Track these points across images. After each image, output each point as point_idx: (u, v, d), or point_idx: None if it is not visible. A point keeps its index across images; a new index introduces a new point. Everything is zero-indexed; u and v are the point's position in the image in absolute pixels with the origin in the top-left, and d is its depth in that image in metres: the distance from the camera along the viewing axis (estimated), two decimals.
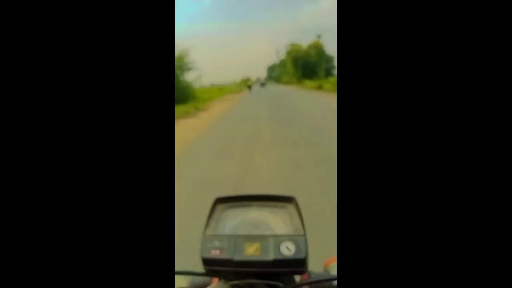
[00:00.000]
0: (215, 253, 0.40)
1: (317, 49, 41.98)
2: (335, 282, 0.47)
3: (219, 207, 0.47)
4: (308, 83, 28.25)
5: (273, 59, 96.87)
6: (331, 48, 43.99)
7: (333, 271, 0.54)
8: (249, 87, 28.21)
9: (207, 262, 0.40)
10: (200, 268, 0.42)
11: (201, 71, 20.75)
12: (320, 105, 9.67)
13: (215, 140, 5.34)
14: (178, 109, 9.48)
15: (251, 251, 0.39)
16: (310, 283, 0.44)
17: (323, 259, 0.57)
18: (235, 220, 0.45)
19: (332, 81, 20.50)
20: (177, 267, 0.38)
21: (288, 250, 0.39)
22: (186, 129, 6.70)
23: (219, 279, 0.43)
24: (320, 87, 20.24)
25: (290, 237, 0.40)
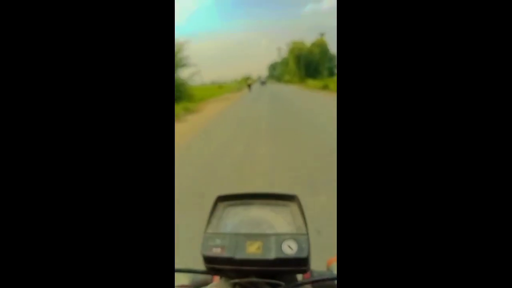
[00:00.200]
0: (216, 251, 0.39)
1: (321, 47, 40.50)
2: (336, 281, 0.46)
3: (221, 205, 0.47)
4: (311, 82, 26.74)
5: (275, 57, 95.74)
6: (334, 47, 42.44)
7: (336, 270, 0.53)
8: (249, 86, 26.61)
9: (208, 260, 0.40)
10: (201, 265, 0.41)
11: (197, 67, 19.25)
12: (330, 109, 8.13)
13: (194, 165, 3.88)
14: None
15: (253, 250, 0.39)
16: (312, 282, 0.44)
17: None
18: (237, 218, 0.45)
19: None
20: (177, 265, 0.38)
21: (290, 249, 0.39)
22: None
23: (220, 277, 0.43)
24: (325, 87, 18.74)
25: (292, 236, 0.40)
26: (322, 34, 42.61)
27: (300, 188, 2.59)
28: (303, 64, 39.76)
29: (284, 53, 53.77)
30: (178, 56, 14.06)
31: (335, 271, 0.53)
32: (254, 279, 0.39)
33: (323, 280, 0.45)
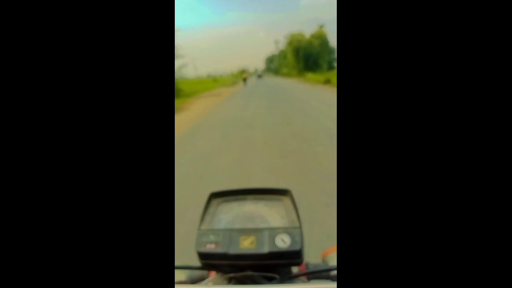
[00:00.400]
0: (210, 247, 0.40)
1: (321, 38, 38.50)
2: (332, 273, 0.47)
3: (214, 202, 0.47)
4: (311, 76, 24.87)
5: (272, 50, 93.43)
6: (333, 39, 40.63)
7: (331, 262, 0.56)
8: (244, 79, 24.70)
9: (202, 256, 0.40)
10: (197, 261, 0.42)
11: (184, 59, 17.36)
12: None
13: None
14: None
15: (246, 244, 0.40)
16: (306, 274, 0.45)
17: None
18: (230, 214, 0.45)
19: None
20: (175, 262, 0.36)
21: (283, 242, 0.39)
22: None
23: (217, 273, 0.44)
24: (328, 81, 16.92)
25: (285, 230, 0.41)
26: (321, 26, 40.64)
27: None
28: (302, 57, 37.79)
29: (282, 45, 51.86)
30: None
31: (330, 263, 0.55)
32: (249, 273, 0.40)
33: (318, 271, 0.45)
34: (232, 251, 0.39)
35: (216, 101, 11.53)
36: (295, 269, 0.47)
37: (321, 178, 2.57)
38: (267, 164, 3.15)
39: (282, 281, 0.41)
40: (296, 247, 0.39)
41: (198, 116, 7.39)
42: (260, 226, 0.42)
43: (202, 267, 0.42)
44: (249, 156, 3.49)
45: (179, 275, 0.49)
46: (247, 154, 3.58)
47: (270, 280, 0.40)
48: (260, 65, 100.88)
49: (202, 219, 0.44)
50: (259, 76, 42.29)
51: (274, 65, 73.90)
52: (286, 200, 0.46)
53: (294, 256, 0.39)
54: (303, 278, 0.46)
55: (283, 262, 0.40)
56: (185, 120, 6.76)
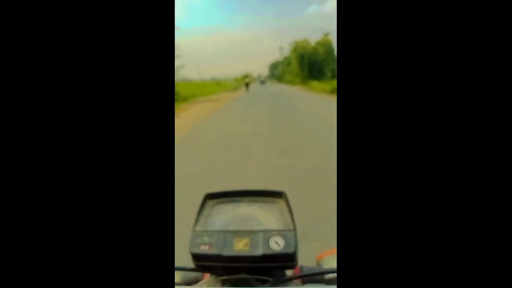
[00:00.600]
0: (204, 249, 0.40)
1: (326, 46, 37.65)
2: (327, 276, 0.48)
3: (209, 203, 0.47)
4: (316, 84, 23.90)
5: (276, 56, 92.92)
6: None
7: (325, 265, 0.55)
8: (247, 85, 23.76)
9: (196, 257, 0.40)
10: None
11: (182, 60, 16.44)
12: None
13: None
14: None
15: (240, 247, 0.39)
16: (300, 277, 0.45)
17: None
18: (225, 216, 0.45)
19: None
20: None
21: (277, 245, 0.39)
22: None
23: (211, 275, 0.44)
24: (335, 91, 15.91)
25: (279, 232, 0.41)
26: (326, 34, 39.85)
27: None
28: (307, 64, 36.91)
29: (286, 52, 51.10)
30: None
31: (324, 266, 0.54)
32: (243, 276, 0.40)
33: (312, 274, 0.45)
34: (226, 252, 0.39)
35: (212, 108, 10.51)
36: (289, 273, 0.46)
37: None
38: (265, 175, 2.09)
39: (275, 284, 0.41)
40: (290, 250, 0.39)
41: (185, 127, 6.34)
42: (255, 228, 0.42)
43: (196, 269, 0.42)
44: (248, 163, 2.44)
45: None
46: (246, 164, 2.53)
47: (263, 283, 0.40)
48: (264, 71, 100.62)
49: (197, 220, 0.44)
50: (262, 82, 42.09)
51: (277, 72, 73.16)
52: (281, 202, 0.45)
53: (288, 259, 0.39)
54: (297, 281, 0.46)
55: (276, 264, 0.40)
56: (177, 129, 5.71)
